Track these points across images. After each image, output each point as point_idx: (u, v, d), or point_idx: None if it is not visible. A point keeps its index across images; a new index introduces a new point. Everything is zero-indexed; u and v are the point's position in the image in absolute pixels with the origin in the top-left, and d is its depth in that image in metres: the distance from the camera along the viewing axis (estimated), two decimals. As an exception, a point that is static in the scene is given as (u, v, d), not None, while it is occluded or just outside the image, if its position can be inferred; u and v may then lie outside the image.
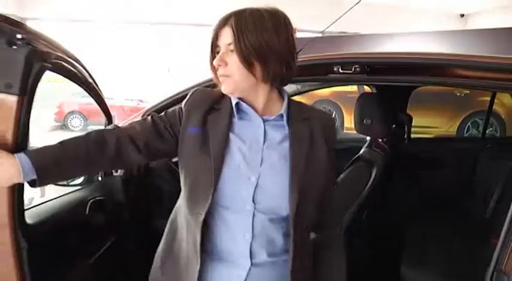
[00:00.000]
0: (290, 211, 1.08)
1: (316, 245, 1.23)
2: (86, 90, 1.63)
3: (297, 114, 1.16)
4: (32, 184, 1.07)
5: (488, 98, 3.39)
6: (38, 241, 1.30)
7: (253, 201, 1.08)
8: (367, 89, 3.33)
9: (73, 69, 1.50)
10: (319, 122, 1.18)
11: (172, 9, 7.90)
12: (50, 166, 1.07)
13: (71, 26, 9.97)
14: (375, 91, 2.97)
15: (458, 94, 4.71)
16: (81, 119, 14.29)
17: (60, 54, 1.38)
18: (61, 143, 1.11)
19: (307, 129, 1.15)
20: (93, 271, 1.66)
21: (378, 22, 8.27)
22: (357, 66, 1.70)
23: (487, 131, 4.67)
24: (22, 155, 1.05)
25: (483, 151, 2.96)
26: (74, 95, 15.10)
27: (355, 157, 2.19)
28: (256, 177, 1.09)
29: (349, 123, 6.12)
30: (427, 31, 6.07)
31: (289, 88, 2.48)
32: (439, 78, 1.89)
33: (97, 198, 1.75)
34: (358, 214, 1.97)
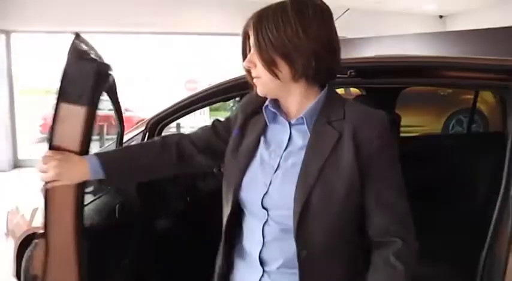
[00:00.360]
0: (293, 224, 0.99)
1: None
2: (114, 101, 1.67)
3: (326, 115, 1.03)
4: (100, 182, 1.23)
5: (471, 96, 3.55)
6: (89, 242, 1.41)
7: (263, 208, 1.05)
8: (354, 91, 3.47)
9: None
10: (355, 123, 1.01)
11: (153, 18, 7.94)
12: (116, 166, 1.22)
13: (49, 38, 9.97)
14: (364, 93, 3.10)
15: (442, 93, 4.90)
16: (67, 131, 14.19)
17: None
18: (127, 147, 1.26)
19: (334, 133, 1.01)
20: (128, 271, 1.77)
21: (358, 26, 8.43)
22: (352, 70, 1.81)
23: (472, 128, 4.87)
24: (93, 156, 1.22)
25: (470, 146, 3.11)
26: (59, 107, 15.01)
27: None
28: (268, 183, 1.05)
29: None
30: (408, 34, 6.27)
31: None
32: (429, 79, 2.03)
33: (121, 202, 1.85)
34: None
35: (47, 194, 1.27)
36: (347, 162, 0.98)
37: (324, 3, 1.02)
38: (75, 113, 1.25)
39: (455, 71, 1.95)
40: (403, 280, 1.00)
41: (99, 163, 1.19)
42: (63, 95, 1.24)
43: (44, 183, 1.21)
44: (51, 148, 1.24)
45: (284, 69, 1.00)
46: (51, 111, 1.27)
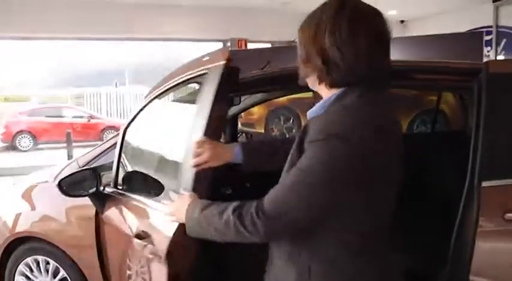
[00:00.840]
0: None
1: None
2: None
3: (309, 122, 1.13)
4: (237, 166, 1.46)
5: (433, 98, 3.77)
6: None
7: None
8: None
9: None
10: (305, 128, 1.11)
11: (126, 26, 7.91)
12: (252, 154, 1.44)
13: None
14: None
15: (407, 95, 5.14)
16: (30, 138, 13.79)
17: None
18: (261, 141, 1.51)
19: (298, 139, 1.11)
20: None
21: None
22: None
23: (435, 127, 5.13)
24: (236, 144, 1.49)
25: (435, 144, 3.32)
26: (22, 114, 14.57)
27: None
28: None
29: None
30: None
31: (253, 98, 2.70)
32: (401, 82, 2.20)
33: None
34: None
35: (198, 175, 1.45)
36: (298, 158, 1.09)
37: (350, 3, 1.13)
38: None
39: (424, 74, 2.12)
40: (220, 226, 1.11)
41: (240, 150, 1.42)
42: None
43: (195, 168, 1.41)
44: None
45: (309, 72, 1.19)
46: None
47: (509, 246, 1.68)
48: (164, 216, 1.43)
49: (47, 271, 2.51)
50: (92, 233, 2.29)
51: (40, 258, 2.51)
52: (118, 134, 2.40)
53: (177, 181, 1.58)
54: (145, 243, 1.71)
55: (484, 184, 1.68)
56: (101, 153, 2.41)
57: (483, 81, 1.80)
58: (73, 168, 2.43)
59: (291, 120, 6.43)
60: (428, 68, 2.10)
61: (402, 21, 10.58)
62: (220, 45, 8.75)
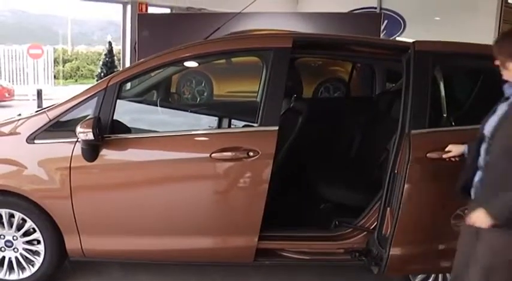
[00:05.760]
0: None
1: None
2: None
3: None
4: None
5: (336, 68, 4.44)
6: None
7: None
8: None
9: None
10: None
11: None
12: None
13: None
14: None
15: (313, 65, 5.77)
16: None
17: None
18: None
19: None
20: None
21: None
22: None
23: (336, 94, 5.91)
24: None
25: (345, 108, 3.97)
26: None
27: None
28: None
29: (217, 91, 6.77)
30: (275, 12, 7.11)
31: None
32: (341, 53, 2.72)
33: None
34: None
35: None
36: None
37: None
38: None
39: (364, 47, 2.65)
40: None
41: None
42: None
43: None
44: None
45: None
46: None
47: (430, 175, 2.30)
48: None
49: (11, 224, 2.55)
50: (67, 183, 2.42)
51: (3, 211, 2.53)
52: (90, 89, 2.52)
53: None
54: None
55: (413, 132, 2.28)
56: (73, 106, 2.48)
57: (411, 57, 2.37)
58: (43, 120, 2.48)
59: (203, 84, 6.69)
60: (368, 43, 2.63)
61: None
62: (120, 6, 8.50)
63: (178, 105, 4.01)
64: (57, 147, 2.46)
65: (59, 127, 2.49)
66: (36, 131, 2.46)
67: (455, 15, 8.05)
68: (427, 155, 2.25)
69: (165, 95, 3.61)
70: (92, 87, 2.54)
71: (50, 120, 2.48)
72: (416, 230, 2.33)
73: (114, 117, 2.44)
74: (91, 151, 2.35)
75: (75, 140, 2.38)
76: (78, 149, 2.38)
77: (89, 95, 2.47)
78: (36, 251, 2.58)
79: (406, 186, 2.24)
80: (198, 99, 6.48)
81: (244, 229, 2.47)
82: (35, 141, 2.46)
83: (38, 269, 2.59)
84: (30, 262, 2.60)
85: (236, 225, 2.48)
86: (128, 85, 2.90)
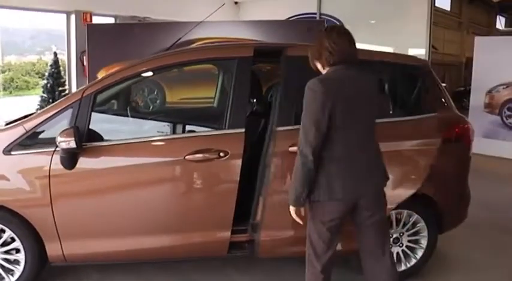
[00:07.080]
0: None
1: None
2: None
3: None
4: None
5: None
6: None
7: None
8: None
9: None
10: None
11: None
12: None
13: None
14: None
15: (263, 70, 6.03)
16: None
17: None
18: None
19: None
20: None
21: (156, 7, 8.94)
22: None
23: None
24: None
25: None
26: None
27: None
28: None
29: (169, 98, 6.88)
30: (222, 21, 7.32)
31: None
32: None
33: None
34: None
35: None
36: None
37: None
38: None
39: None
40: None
41: None
42: None
43: None
44: None
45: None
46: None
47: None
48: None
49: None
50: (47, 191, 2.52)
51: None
52: (64, 100, 2.63)
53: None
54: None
55: (278, 129, 2.62)
56: (49, 117, 2.58)
57: (283, 60, 2.72)
58: (20, 132, 2.57)
59: (155, 92, 6.78)
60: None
61: (236, 3, 11.52)
62: (64, 16, 8.35)
63: (138, 113, 4.13)
64: (35, 157, 2.55)
65: (35, 138, 2.59)
66: (12, 142, 2.54)
67: (389, 18, 8.60)
68: (289, 148, 2.55)
69: (125, 104, 3.72)
70: (66, 98, 2.65)
71: (27, 132, 2.56)
72: (282, 217, 2.31)
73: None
74: (70, 159, 2.47)
75: (53, 149, 2.49)
76: (56, 158, 2.49)
77: (64, 106, 2.59)
78: (15, 260, 2.64)
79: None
80: (151, 107, 6.56)
81: (218, 223, 2.67)
82: (12, 152, 2.54)
83: (18, 278, 2.65)
84: (9, 272, 2.66)
85: (211, 220, 2.67)
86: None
